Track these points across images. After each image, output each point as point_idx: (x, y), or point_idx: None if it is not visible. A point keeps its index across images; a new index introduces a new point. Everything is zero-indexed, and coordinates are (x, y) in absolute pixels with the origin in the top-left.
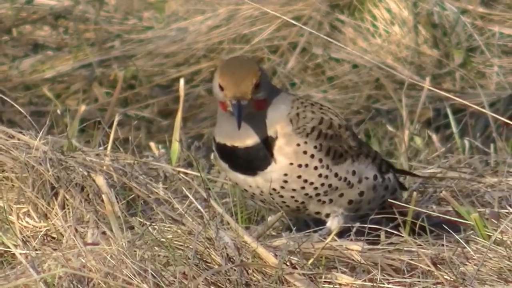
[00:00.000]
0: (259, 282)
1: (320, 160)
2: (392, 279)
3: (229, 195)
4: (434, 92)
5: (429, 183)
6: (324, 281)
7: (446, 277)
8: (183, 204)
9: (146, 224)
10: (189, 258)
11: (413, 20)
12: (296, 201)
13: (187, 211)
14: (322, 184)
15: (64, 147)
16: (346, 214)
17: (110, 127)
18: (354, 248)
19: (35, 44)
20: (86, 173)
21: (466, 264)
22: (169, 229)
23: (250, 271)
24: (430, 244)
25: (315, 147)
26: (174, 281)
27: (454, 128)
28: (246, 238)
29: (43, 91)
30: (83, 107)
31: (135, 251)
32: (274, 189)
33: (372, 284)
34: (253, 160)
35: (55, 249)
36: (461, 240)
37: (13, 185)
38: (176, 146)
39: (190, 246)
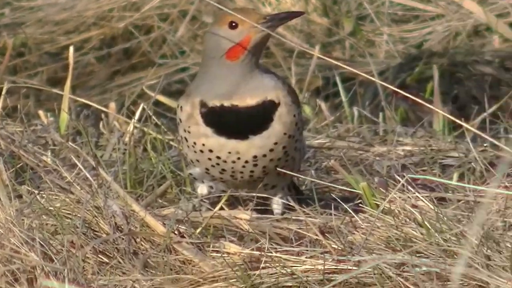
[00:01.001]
0: (147, 250)
1: (300, 133)
2: (280, 248)
3: (117, 164)
4: (324, 60)
5: (318, 152)
6: (212, 250)
7: (334, 246)
8: (71, 173)
9: (34, 192)
10: (77, 227)
11: None
12: (264, 172)
13: (75, 179)
14: (293, 158)
15: None
16: (283, 195)
17: None
18: (242, 217)
19: None
20: None
21: (354, 233)
22: (57, 197)
23: (138, 240)
24: (318, 213)
25: (301, 120)
26: (62, 250)
27: (343, 97)
28: (134, 207)
29: None
30: None
31: (23, 219)
32: (255, 156)
33: (260, 253)
34: (250, 122)
35: None
36: (349, 209)
37: None
38: (64, 114)
39: (78, 215)
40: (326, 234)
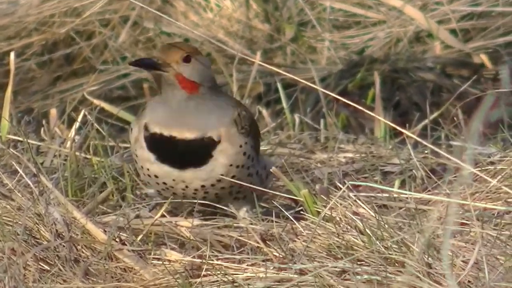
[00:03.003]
0: (88, 258)
1: (252, 159)
2: (222, 256)
3: (59, 170)
4: (266, 66)
5: None
6: (153, 258)
7: (275, 253)
8: (12, 179)
9: None
10: (18, 234)
11: None
12: (218, 197)
13: (16, 186)
14: (250, 182)
15: None
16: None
17: None
18: (184, 224)
19: None
20: None
21: (295, 241)
22: None
23: (79, 247)
24: (260, 220)
25: (252, 146)
26: (3, 257)
27: (284, 103)
28: (75, 214)
29: None
30: None
31: None
32: (203, 186)
33: (201, 260)
34: (189, 155)
35: None
36: (290, 217)
37: None
38: (5, 121)
39: (19, 222)
40: (268, 242)
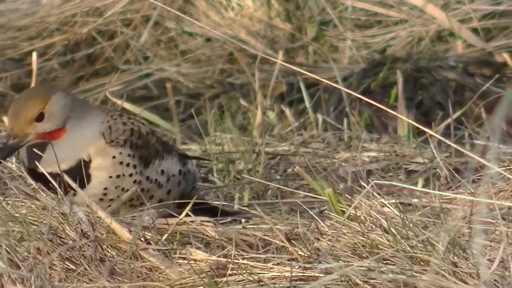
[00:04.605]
0: (114, 257)
1: (134, 166)
2: (247, 255)
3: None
4: (288, 66)
5: (283, 158)
6: (179, 257)
7: (300, 252)
8: None
9: None
10: (43, 234)
11: None
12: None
13: (40, 186)
14: (136, 189)
15: None
16: (157, 211)
17: None
18: (209, 223)
19: None
20: None
21: (320, 240)
22: (23, 204)
23: (104, 247)
24: (284, 219)
25: (129, 155)
26: (28, 257)
27: (307, 103)
28: (100, 214)
29: None
30: None
31: None
32: (96, 200)
33: (226, 259)
34: (70, 180)
35: None
36: (315, 216)
37: None
38: None
39: (44, 222)
40: (293, 241)
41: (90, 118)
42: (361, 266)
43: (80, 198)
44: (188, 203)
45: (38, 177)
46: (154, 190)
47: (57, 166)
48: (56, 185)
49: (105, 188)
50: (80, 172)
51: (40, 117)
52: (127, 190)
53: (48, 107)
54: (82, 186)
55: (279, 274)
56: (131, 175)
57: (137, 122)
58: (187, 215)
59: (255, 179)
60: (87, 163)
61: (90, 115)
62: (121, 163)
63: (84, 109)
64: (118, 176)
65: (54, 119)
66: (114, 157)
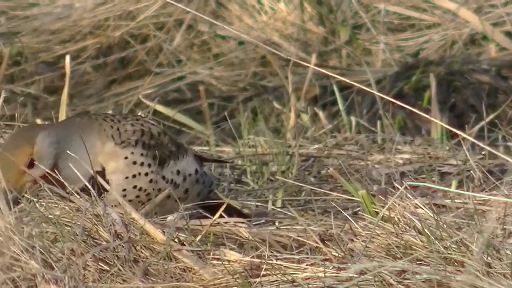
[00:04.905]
0: (147, 258)
1: (149, 165)
2: (281, 256)
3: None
4: (321, 67)
5: (316, 160)
6: (213, 258)
7: (334, 253)
8: None
9: (33, 200)
10: (77, 235)
11: None
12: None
13: (74, 188)
14: (153, 189)
15: None
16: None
17: None
18: (242, 224)
19: None
20: None
21: (354, 241)
22: (56, 205)
23: (138, 248)
24: (318, 220)
25: (141, 154)
26: (62, 258)
27: (340, 105)
28: (133, 215)
29: None
30: None
31: (22, 227)
32: (114, 205)
33: (260, 260)
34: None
35: None
36: (348, 217)
37: None
38: None
39: (78, 223)
40: (326, 242)
41: (88, 132)
42: (395, 267)
43: (111, 198)
44: (221, 204)
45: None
46: (171, 190)
47: (77, 184)
48: (89, 186)
49: (124, 190)
50: (96, 181)
51: (31, 164)
52: (145, 190)
53: (35, 150)
54: (103, 192)
55: (313, 274)
56: (146, 174)
57: (146, 123)
58: (220, 216)
59: (288, 180)
60: (101, 172)
61: (87, 129)
62: (134, 162)
63: (70, 134)
64: (134, 176)
65: (45, 160)
66: (126, 157)
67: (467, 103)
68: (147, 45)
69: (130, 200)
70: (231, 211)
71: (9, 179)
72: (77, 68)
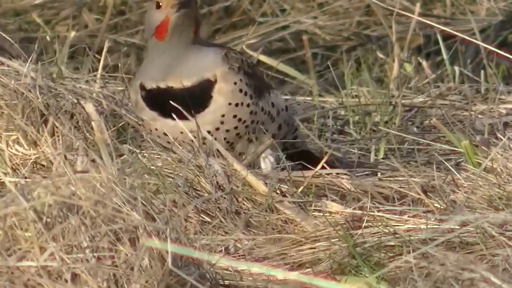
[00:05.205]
0: (249, 210)
1: (251, 97)
2: (383, 207)
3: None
4: (425, 17)
5: (419, 110)
6: (314, 209)
7: (436, 205)
8: None
9: (135, 151)
10: (179, 186)
11: None
12: (228, 142)
13: (177, 138)
14: (252, 121)
15: (53, 74)
16: (272, 153)
17: (100, 53)
18: (344, 176)
19: None
20: (75, 100)
21: (456, 192)
22: (159, 156)
23: (240, 199)
24: (420, 172)
25: (246, 84)
26: (164, 209)
27: (444, 55)
28: (236, 166)
29: (32, 17)
30: (72, 34)
31: (124, 178)
32: (208, 132)
33: (362, 212)
34: (190, 102)
35: (44, 177)
36: (451, 168)
37: (2, 112)
38: None
39: (180, 174)
40: (428, 193)
41: (209, 43)
42: (497, 218)
43: (198, 120)
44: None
45: (156, 105)
46: (268, 123)
47: (182, 81)
48: (178, 106)
49: (223, 116)
50: (202, 92)
51: None
52: (244, 122)
53: None
54: (201, 107)
55: (415, 226)
56: (248, 105)
57: (239, 53)
58: (322, 167)
59: (391, 131)
60: (211, 85)
61: (207, 41)
62: (240, 90)
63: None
64: (236, 105)
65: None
66: (235, 83)
67: None
68: None
69: (227, 130)
70: (312, 158)
71: None
72: None
